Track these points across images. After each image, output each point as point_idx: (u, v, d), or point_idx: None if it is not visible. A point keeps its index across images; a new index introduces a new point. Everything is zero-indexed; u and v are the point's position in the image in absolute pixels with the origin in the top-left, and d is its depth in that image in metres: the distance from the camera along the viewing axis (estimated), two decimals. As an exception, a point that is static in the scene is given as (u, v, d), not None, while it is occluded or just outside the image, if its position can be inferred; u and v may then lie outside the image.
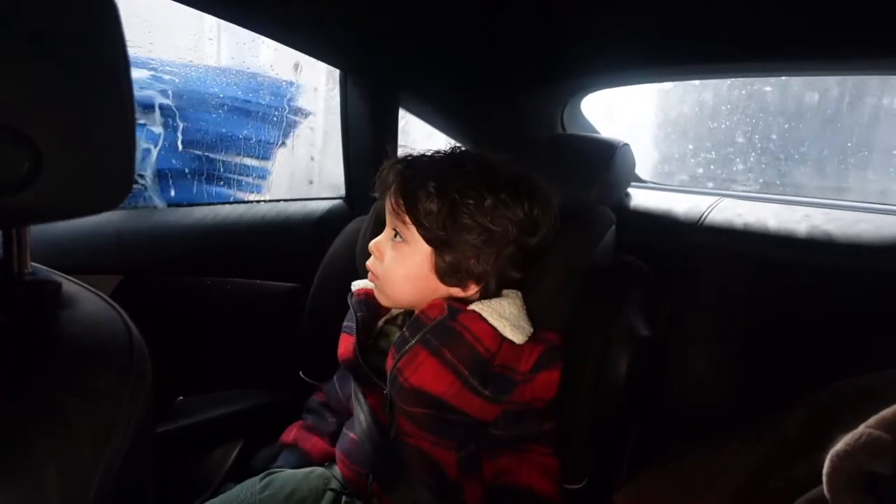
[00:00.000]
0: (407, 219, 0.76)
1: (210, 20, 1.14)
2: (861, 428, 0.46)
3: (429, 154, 0.82)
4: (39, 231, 0.44)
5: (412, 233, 0.77)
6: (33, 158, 0.33)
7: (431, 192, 0.74)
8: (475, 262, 0.77)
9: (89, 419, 0.37)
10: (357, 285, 0.90)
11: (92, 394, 0.38)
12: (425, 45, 1.15)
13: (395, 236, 0.78)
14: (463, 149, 0.84)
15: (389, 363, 0.76)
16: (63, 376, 0.38)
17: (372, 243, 0.81)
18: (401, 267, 0.78)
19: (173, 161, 1.26)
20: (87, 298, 0.46)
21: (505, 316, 0.76)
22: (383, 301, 0.82)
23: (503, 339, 0.75)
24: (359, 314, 0.84)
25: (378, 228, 0.84)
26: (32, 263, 0.44)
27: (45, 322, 0.41)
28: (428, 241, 0.76)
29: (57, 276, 0.45)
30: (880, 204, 1.04)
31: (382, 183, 0.81)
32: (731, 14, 0.86)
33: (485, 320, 0.75)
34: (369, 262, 0.81)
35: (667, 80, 1.33)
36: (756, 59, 1.01)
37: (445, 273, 0.77)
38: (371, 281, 0.83)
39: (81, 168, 0.37)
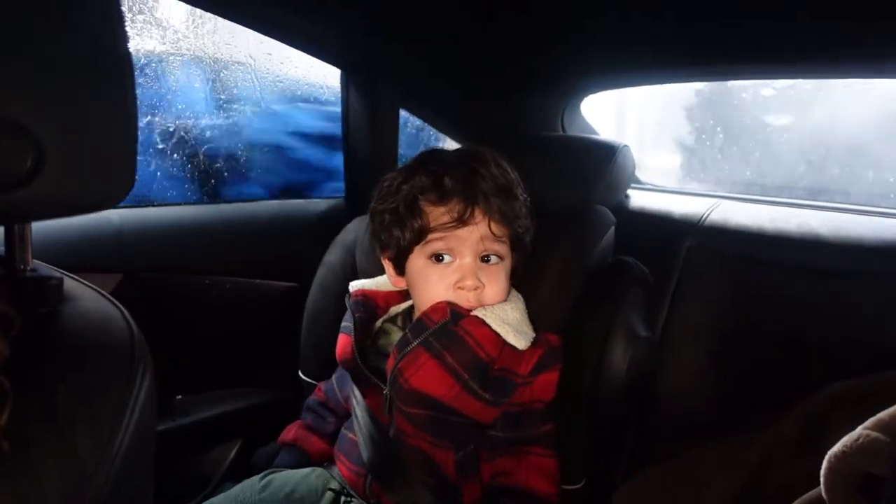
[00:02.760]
0: (506, 238, 0.78)
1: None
2: (859, 430, 0.46)
3: (460, 160, 0.79)
4: (40, 228, 0.44)
5: (508, 247, 0.79)
6: (36, 154, 0.33)
7: (518, 198, 0.78)
8: (531, 241, 0.82)
9: (90, 417, 0.37)
10: (355, 286, 0.90)
11: (93, 391, 0.38)
12: (426, 46, 1.15)
13: (489, 260, 0.78)
14: (463, 147, 0.84)
15: (390, 363, 0.76)
16: (64, 373, 0.38)
17: (469, 282, 0.76)
18: (504, 284, 0.79)
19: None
20: (88, 295, 0.46)
21: (508, 322, 0.76)
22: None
23: (505, 343, 0.76)
24: (357, 315, 0.84)
25: None
26: (34, 260, 0.44)
27: (46, 319, 0.41)
28: (518, 246, 0.80)
29: (58, 272, 0.45)
30: (876, 206, 1.05)
31: (450, 216, 0.75)
32: (731, 15, 0.87)
33: (488, 326, 0.75)
34: (471, 301, 0.77)
35: (667, 82, 1.33)
36: (757, 60, 1.01)
37: (520, 266, 0.82)
38: (466, 310, 0.77)
39: (84, 165, 0.36)
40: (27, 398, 0.35)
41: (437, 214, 0.76)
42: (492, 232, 0.75)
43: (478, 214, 0.75)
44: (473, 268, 0.76)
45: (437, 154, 0.81)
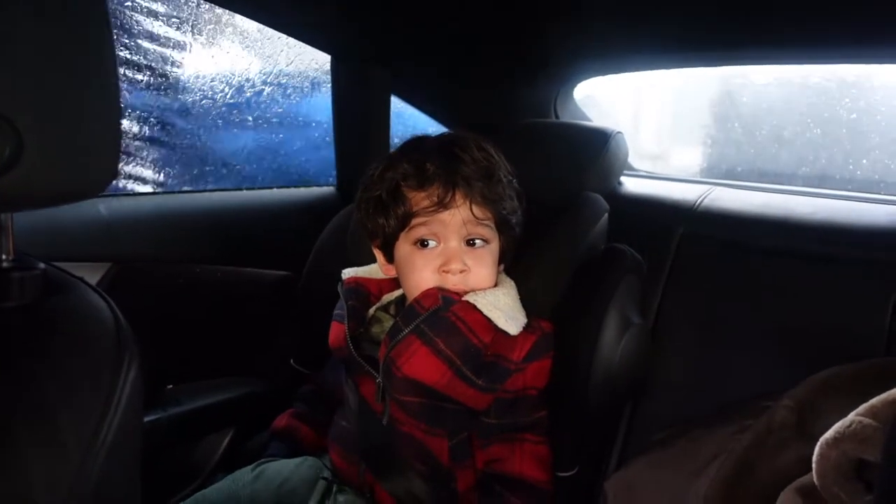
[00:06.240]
0: (491, 221, 0.77)
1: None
2: (851, 416, 0.46)
3: (441, 146, 0.78)
4: (28, 217, 0.43)
5: (493, 230, 0.78)
6: (14, 142, 0.33)
7: (501, 181, 0.77)
8: (518, 224, 0.81)
9: (74, 408, 0.37)
10: (347, 273, 0.89)
11: (77, 383, 0.38)
12: (417, 32, 1.14)
13: (475, 244, 0.77)
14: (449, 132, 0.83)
15: (382, 351, 0.76)
16: (48, 365, 0.37)
17: (454, 265, 0.76)
18: (491, 267, 0.79)
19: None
20: (73, 286, 0.45)
21: (499, 307, 0.76)
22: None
23: (497, 329, 0.75)
24: (349, 302, 0.83)
25: None
26: (17, 251, 0.44)
27: (30, 310, 0.40)
28: (504, 229, 0.79)
29: (43, 263, 0.45)
30: (868, 193, 1.05)
31: (432, 198, 0.75)
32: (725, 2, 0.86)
33: (479, 311, 0.75)
34: (458, 284, 0.77)
35: (659, 68, 1.32)
36: (752, 46, 1.00)
37: (508, 250, 0.82)
38: (456, 292, 0.77)
39: (63, 155, 0.36)
40: (10, 391, 0.34)
41: (419, 199, 0.76)
42: (474, 215, 0.75)
43: (458, 198, 0.75)
44: (458, 251, 0.76)
45: (420, 141, 0.81)
